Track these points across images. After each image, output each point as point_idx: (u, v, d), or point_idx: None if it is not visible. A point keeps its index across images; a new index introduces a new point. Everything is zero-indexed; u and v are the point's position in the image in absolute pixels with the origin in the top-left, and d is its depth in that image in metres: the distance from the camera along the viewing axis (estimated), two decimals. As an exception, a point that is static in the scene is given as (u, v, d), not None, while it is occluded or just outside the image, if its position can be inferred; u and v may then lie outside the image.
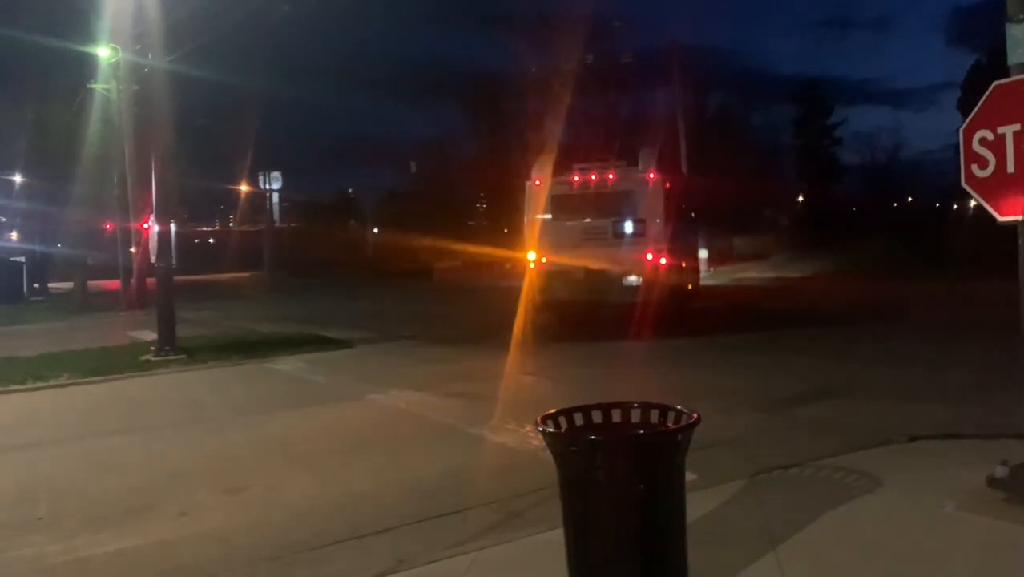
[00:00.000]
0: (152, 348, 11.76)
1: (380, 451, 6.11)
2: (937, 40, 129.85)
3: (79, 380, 9.96)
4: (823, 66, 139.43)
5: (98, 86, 24.52)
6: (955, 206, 43.58)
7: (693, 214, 17.18)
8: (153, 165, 12.42)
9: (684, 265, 15.31)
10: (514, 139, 49.66)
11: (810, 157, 50.39)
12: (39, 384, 9.70)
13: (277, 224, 79.01)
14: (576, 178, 14.31)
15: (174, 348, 11.65)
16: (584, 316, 13.36)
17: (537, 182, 14.58)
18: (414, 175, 59.64)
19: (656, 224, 13.98)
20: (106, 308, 24.30)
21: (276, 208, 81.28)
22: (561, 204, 14.15)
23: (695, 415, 3.03)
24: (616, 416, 3.23)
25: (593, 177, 14.35)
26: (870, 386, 7.79)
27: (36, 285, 36.25)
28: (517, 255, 15.81)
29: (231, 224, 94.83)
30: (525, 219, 14.66)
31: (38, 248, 37.07)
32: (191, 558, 4.10)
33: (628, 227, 14.17)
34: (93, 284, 32.40)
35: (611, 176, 14.30)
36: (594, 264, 13.62)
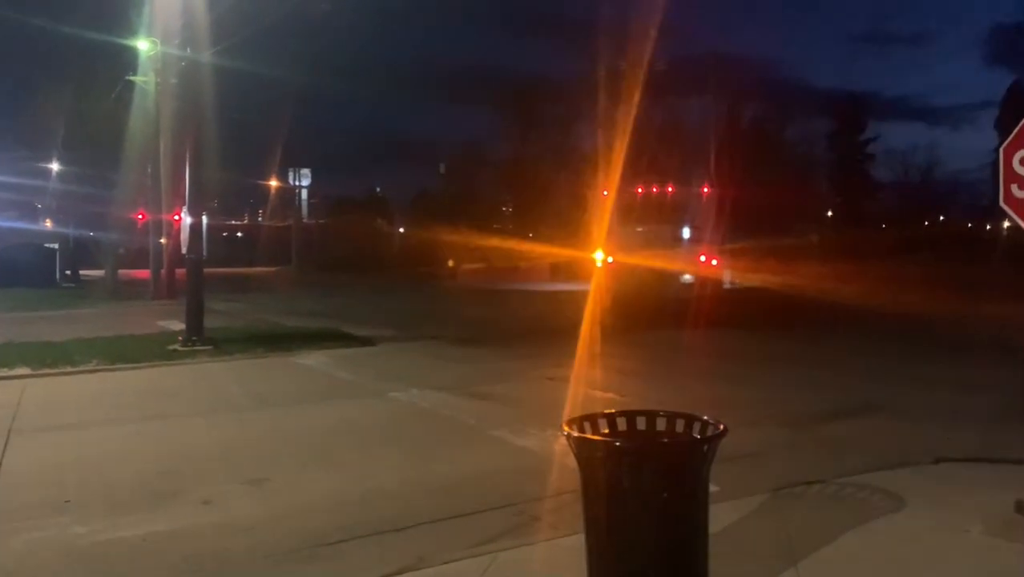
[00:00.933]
0: (180, 338, 11.91)
1: (401, 449, 6.14)
2: (975, 58, 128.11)
3: (108, 367, 10.12)
4: (859, 81, 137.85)
5: (137, 79, 24.94)
6: (988, 227, 42.91)
7: (737, 223, 19.60)
8: (187, 158, 12.60)
9: (728, 266, 17.47)
10: (547, 144, 49.74)
11: (843, 172, 49.88)
12: (69, 369, 9.88)
13: (305, 220, 79.80)
14: (640, 190, 16.58)
15: (201, 339, 11.79)
16: (640, 309, 15.10)
17: (605, 192, 16.55)
18: (443, 175, 59.84)
19: (708, 231, 16.46)
20: (136, 297, 24.68)
21: (305, 204, 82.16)
22: (627, 212, 16.05)
23: (722, 426, 3.02)
24: (641, 424, 3.22)
25: (655, 190, 16.75)
26: (897, 405, 7.68)
27: (68, 272, 36.92)
28: (582, 255, 18.42)
29: (260, 219, 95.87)
30: (592, 224, 16.51)
31: (71, 235, 37.71)
32: (214, 546, 4.16)
33: (685, 233, 16.51)
34: (124, 273, 32.91)
35: (670, 190, 16.78)
36: (655, 264, 15.65)
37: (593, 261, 16.61)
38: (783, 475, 5.01)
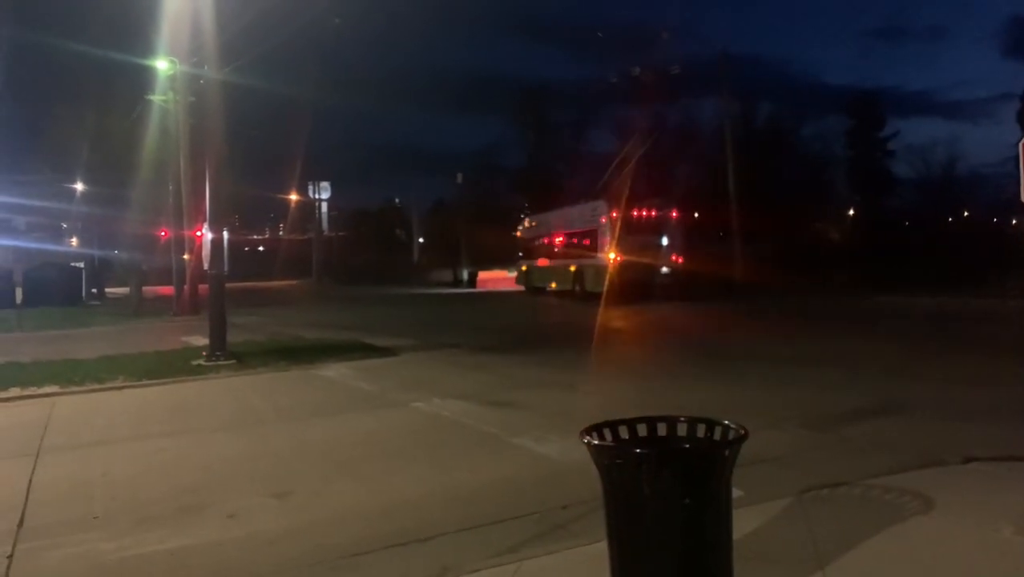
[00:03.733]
0: (203, 353, 12.03)
1: (423, 459, 6.15)
2: (993, 51, 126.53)
3: (134, 383, 10.24)
4: (875, 77, 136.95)
5: (156, 97, 25.31)
6: (1014, 221, 42.22)
7: (703, 233, 31.46)
8: (207, 174, 12.75)
9: (696, 262, 27.22)
10: (560, 154, 49.78)
11: (862, 170, 49.36)
12: (96, 386, 10.01)
13: (325, 233, 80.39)
14: (634, 213, 26.21)
15: (225, 353, 11.91)
16: (635, 289, 24.57)
17: (614, 214, 26.01)
18: (460, 185, 60.06)
19: (678, 240, 26.94)
20: (160, 313, 24.96)
21: (325, 217, 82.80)
22: (628, 227, 25.83)
23: (743, 430, 3.01)
24: (662, 429, 3.21)
25: (644, 213, 26.60)
26: (923, 404, 7.58)
27: (94, 290, 37.48)
28: (598, 256, 26.86)
29: (281, 232, 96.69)
30: (607, 238, 26.07)
31: (96, 254, 38.28)
32: (239, 559, 4.19)
33: (664, 241, 26.71)
34: (148, 289, 33.34)
35: (654, 213, 26.81)
36: (643, 259, 25.58)
37: (604, 262, 25.91)
38: (808, 478, 4.96)
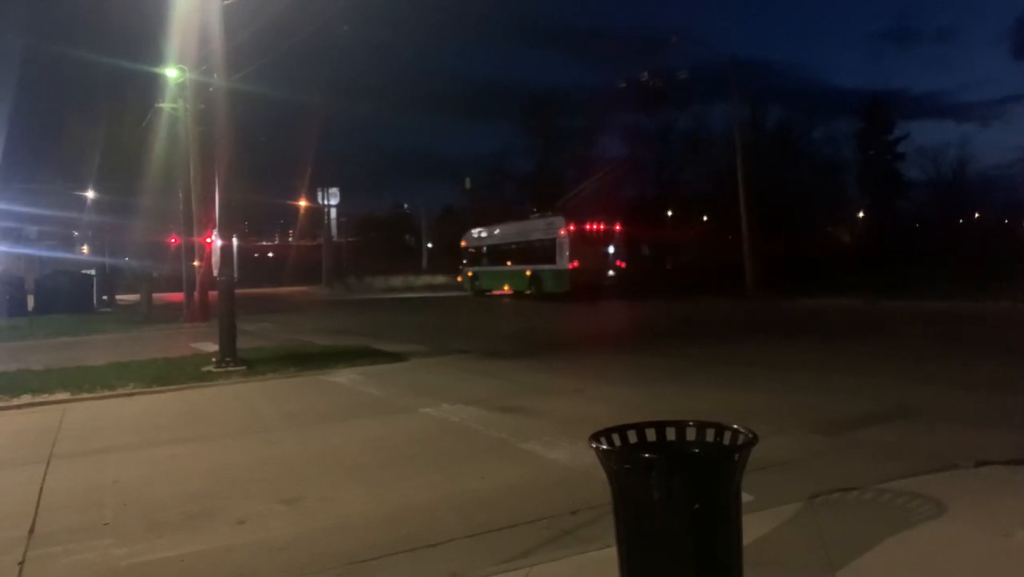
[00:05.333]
0: (213, 359, 12.08)
1: (433, 464, 6.15)
2: (1003, 52, 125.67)
3: (144, 389, 10.30)
4: (885, 80, 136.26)
5: (166, 105, 25.48)
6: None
7: (645, 246, 40.92)
8: (216, 181, 12.82)
9: (632, 266, 34.03)
10: (569, 160, 49.91)
11: (872, 172, 49.18)
12: (107, 393, 10.06)
13: (335, 239, 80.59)
14: (587, 226, 32.06)
15: (234, 360, 11.95)
16: (589, 288, 30.51)
17: (571, 227, 31.80)
18: (469, 191, 60.16)
19: (621, 249, 33.17)
20: (170, 320, 25.08)
21: (334, 223, 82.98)
22: (580, 238, 31.76)
23: (752, 434, 2.99)
24: (671, 434, 3.20)
25: (594, 226, 32.39)
26: (935, 408, 7.54)
27: (105, 297, 37.70)
28: (556, 262, 32.29)
29: (290, 238, 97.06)
30: (566, 248, 31.73)
31: (107, 261, 38.53)
32: (249, 566, 4.19)
33: (611, 250, 32.69)
34: (158, 296, 33.48)
35: (602, 226, 32.63)
36: (597, 265, 31.75)
37: (561, 267, 31.78)
38: (818, 482, 4.92)
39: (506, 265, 36.59)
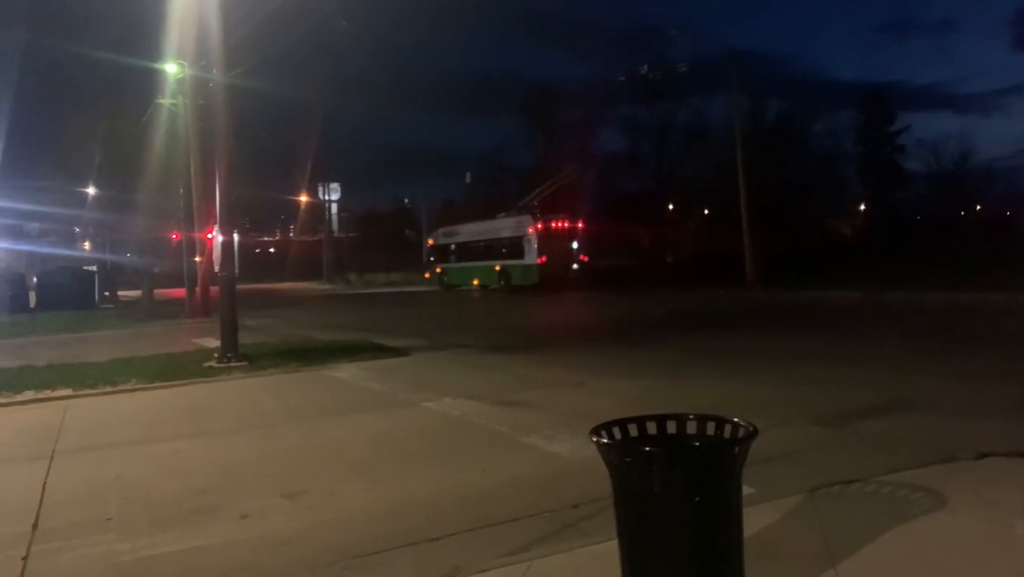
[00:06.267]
0: (215, 355, 12.10)
1: (434, 458, 6.17)
2: (1003, 43, 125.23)
3: (146, 385, 10.32)
4: (885, 72, 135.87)
5: (166, 101, 25.45)
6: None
7: (596, 240, 38.77)
8: (217, 177, 12.81)
9: (591, 259, 36.42)
10: (568, 149, 49.86)
11: (873, 164, 49.11)
12: (109, 389, 10.08)
13: (336, 234, 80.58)
14: (553, 224, 34.98)
15: (236, 355, 11.97)
16: (557, 278, 33.90)
17: (539, 225, 34.71)
18: (469, 185, 60.13)
19: (584, 243, 35.81)
20: (172, 316, 25.12)
21: (335, 218, 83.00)
22: (547, 235, 34.64)
23: (753, 427, 3.00)
24: (671, 427, 3.21)
25: (559, 224, 35.22)
26: (936, 400, 7.54)
27: (107, 293, 37.74)
28: (525, 257, 35.20)
29: (292, 234, 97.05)
30: (534, 244, 34.56)
31: (108, 257, 38.54)
32: (252, 560, 4.21)
33: (575, 245, 35.52)
34: (159, 292, 33.54)
35: (566, 224, 35.40)
36: (562, 259, 34.57)
37: (530, 262, 34.70)
38: (819, 475, 4.94)
39: (475, 261, 39.18)
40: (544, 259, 34.11)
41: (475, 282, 39.40)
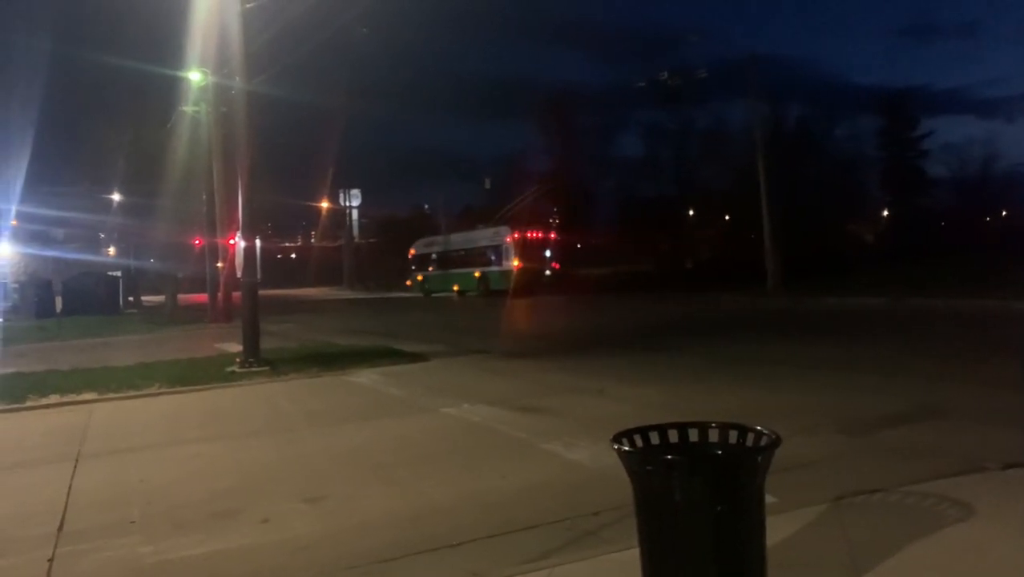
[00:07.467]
0: (237, 360, 12.19)
1: (454, 464, 6.17)
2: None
3: (169, 389, 10.42)
4: (906, 76, 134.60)
5: (189, 108, 25.75)
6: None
7: (572, 248, 43.61)
8: (239, 184, 12.93)
9: (563, 267, 39.93)
10: (588, 158, 49.91)
11: (896, 170, 48.57)
12: (133, 393, 10.20)
13: (356, 240, 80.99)
14: (528, 235, 38.57)
15: (258, 360, 12.06)
16: (532, 283, 37.27)
17: (516, 235, 38.41)
18: (488, 191, 60.23)
19: (558, 251, 40.00)
20: (194, 321, 25.37)
21: (355, 224, 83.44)
22: (522, 245, 38.25)
23: (775, 435, 2.97)
24: (693, 435, 3.18)
25: (534, 234, 38.96)
26: (961, 409, 7.43)
27: (131, 298, 38.20)
28: (503, 264, 39.04)
29: (313, 240, 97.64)
30: (511, 253, 38.32)
31: (132, 263, 39.00)
32: (272, 564, 4.23)
33: (548, 253, 39.46)
34: (183, 297, 33.88)
35: (540, 235, 39.34)
36: (535, 265, 38.38)
37: (508, 268, 38.32)
38: (844, 484, 4.88)
39: (455, 269, 43.23)
40: (520, 265, 37.96)
41: (454, 288, 42.92)
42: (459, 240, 44.55)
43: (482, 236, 41.88)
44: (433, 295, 44.71)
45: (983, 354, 11.66)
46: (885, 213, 51.02)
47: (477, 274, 40.75)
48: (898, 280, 26.45)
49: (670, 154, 49.80)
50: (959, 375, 9.55)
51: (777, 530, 3.76)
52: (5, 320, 26.84)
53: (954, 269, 27.88)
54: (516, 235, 38.54)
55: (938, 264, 30.33)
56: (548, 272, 38.89)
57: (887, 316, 19.55)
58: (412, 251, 49.70)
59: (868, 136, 48.74)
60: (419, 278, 47.87)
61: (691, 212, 49.68)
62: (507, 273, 38.12)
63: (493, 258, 39.75)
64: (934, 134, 49.84)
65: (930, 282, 25.30)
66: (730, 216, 47.03)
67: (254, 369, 11.78)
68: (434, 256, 46.53)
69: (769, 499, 3.17)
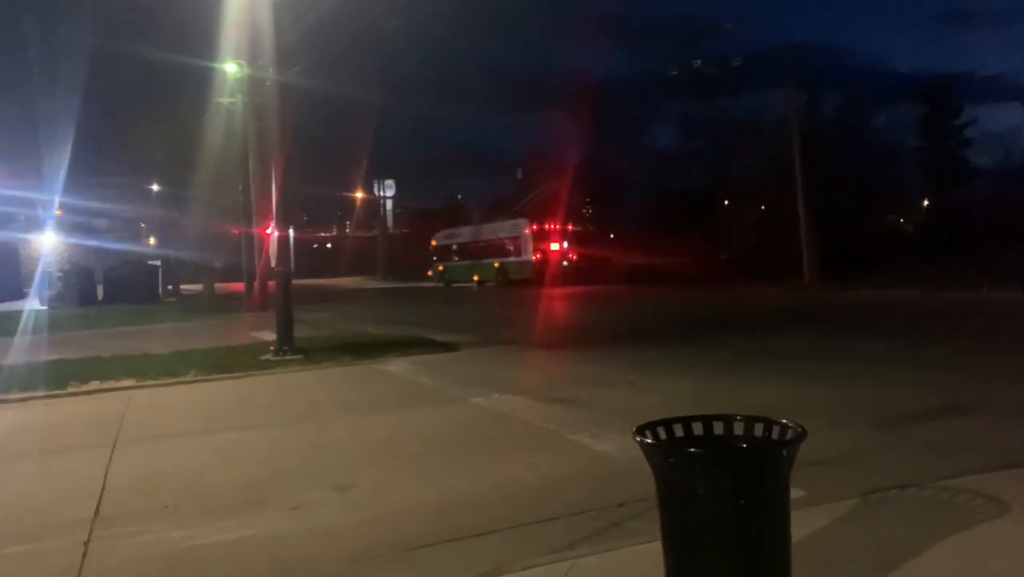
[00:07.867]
0: (271, 348, 12.37)
1: (481, 454, 6.20)
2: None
3: (204, 377, 10.61)
4: (949, 63, 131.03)
5: (225, 100, 26.07)
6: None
7: (588, 238, 42.22)
8: (273, 174, 13.09)
9: (589, 257, 39.76)
10: (620, 149, 49.61)
11: (937, 159, 47.43)
12: (169, 380, 10.40)
13: (390, 230, 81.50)
14: (546, 226, 39.70)
15: (291, 348, 12.21)
16: (547, 279, 37.03)
17: (534, 227, 39.67)
18: (521, 181, 60.16)
19: (578, 241, 40.14)
20: (231, 309, 25.76)
21: (389, 215, 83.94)
22: (541, 236, 39.41)
23: (801, 429, 2.93)
24: (718, 428, 3.16)
25: (551, 226, 39.76)
26: (998, 403, 7.27)
27: (170, 287, 38.90)
28: (522, 255, 40.28)
29: (347, 230, 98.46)
30: (530, 244, 39.52)
31: (172, 253, 39.70)
32: (301, 551, 4.30)
33: (566, 244, 39.87)
34: (220, 286, 34.42)
35: (557, 226, 39.73)
36: (554, 256, 39.02)
37: (526, 259, 39.58)
38: (874, 479, 4.81)
39: (475, 260, 44.40)
40: (538, 256, 39.08)
41: (474, 278, 44.15)
42: (479, 232, 46.41)
43: (501, 228, 43.22)
44: (453, 285, 45.95)
45: (1021, 348, 11.37)
46: (925, 204, 49.89)
47: (496, 265, 41.89)
48: (937, 272, 25.89)
49: (704, 145, 49.25)
50: (997, 369, 9.32)
51: (805, 524, 3.72)
52: (50, 308, 27.53)
53: (996, 261, 27.17)
54: (534, 226, 39.68)
55: (979, 256, 29.57)
56: (567, 263, 39.56)
57: (923, 309, 19.17)
58: (433, 242, 51.11)
59: (908, 125, 47.63)
60: (440, 268, 49.13)
61: (726, 203, 49.09)
62: (526, 264, 39.39)
63: (512, 249, 40.84)
64: (977, 122, 48.36)
65: (970, 274, 24.72)
66: (765, 207, 46.38)
67: (288, 357, 11.94)
68: (454, 247, 47.82)
69: (798, 493, 3.15)
